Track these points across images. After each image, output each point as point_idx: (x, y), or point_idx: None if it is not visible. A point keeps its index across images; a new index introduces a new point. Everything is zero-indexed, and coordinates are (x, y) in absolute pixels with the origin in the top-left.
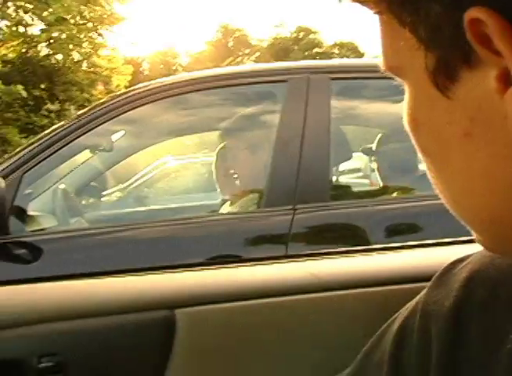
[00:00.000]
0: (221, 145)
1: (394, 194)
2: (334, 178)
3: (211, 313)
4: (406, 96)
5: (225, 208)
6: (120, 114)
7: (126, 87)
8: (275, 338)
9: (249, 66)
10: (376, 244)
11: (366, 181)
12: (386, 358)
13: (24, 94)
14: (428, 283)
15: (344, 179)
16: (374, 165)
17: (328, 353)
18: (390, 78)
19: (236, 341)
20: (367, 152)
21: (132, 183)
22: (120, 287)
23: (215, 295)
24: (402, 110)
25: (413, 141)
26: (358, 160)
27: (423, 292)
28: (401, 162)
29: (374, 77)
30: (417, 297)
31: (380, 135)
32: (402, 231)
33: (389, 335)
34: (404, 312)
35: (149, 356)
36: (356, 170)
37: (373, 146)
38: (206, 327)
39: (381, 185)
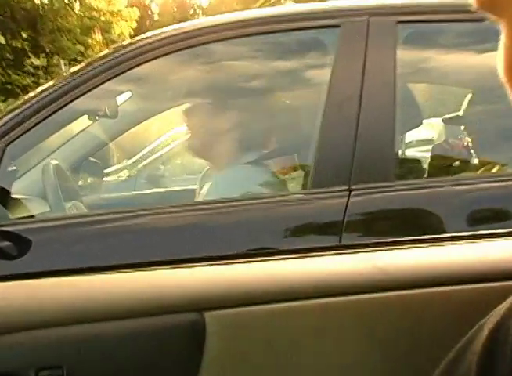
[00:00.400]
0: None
1: (481, 171)
2: (400, 152)
3: (247, 317)
4: (503, 40)
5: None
6: (125, 71)
7: (131, 36)
8: (327, 347)
9: (289, 7)
10: None
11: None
12: (473, 371)
13: (0, 44)
14: None
15: (412, 153)
16: (459, 134)
17: (388, 363)
18: (478, 20)
19: (276, 350)
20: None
21: (142, 159)
22: (135, 285)
23: (252, 295)
24: (494, 60)
25: None
26: (430, 128)
27: None
28: (494, 130)
29: (455, 20)
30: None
31: (468, 96)
32: (491, 218)
33: (477, 343)
34: (496, 314)
35: (174, 368)
36: (428, 141)
37: (460, 112)
38: (241, 332)
39: (472, 159)
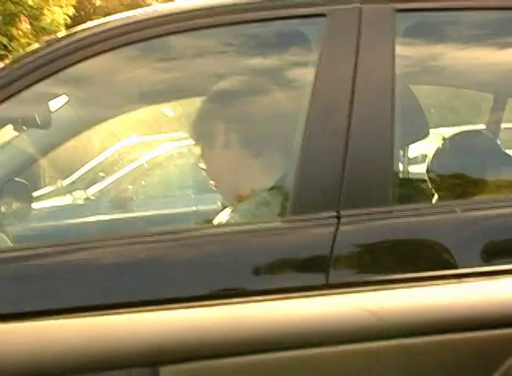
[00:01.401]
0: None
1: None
2: (400, 169)
3: (211, 372)
4: None
5: (228, 217)
6: (59, 70)
7: (67, 26)
8: None
9: None
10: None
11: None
12: None
13: None
14: None
15: (415, 170)
16: None
17: None
18: (498, 8)
19: None
20: None
21: (81, 178)
22: (73, 335)
23: (218, 346)
24: None
25: None
26: (438, 139)
27: None
28: None
29: (469, 7)
30: None
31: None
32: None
33: None
34: None
35: None
36: None
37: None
38: None
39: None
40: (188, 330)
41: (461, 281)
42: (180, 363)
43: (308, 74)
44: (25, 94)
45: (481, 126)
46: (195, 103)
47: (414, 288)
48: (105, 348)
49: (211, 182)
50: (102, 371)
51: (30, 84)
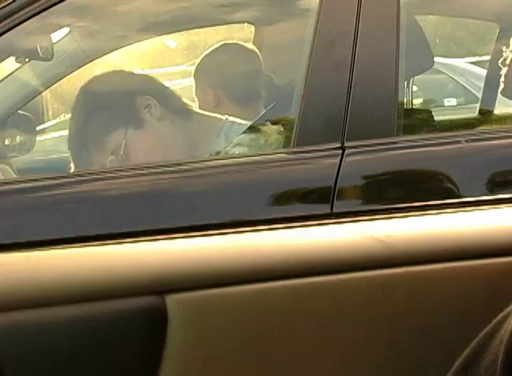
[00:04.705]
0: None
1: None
2: (405, 100)
3: (218, 300)
4: None
5: (234, 149)
6: (61, 0)
7: None
8: (317, 333)
9: None
10: None
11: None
12: (501, 362)
13: None
14: None
15: (420, 101)
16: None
17: (391, 352)
18: None
19: (253, 340)
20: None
21: None
22: (78, 263)
23: (224, 274)
24: None
25: None
26: (443, 69)
27: None
28: None
29: None
30: None
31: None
32: None
33: (505, 332)
34: None
35: (130, 364)
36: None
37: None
38: (210, 319)
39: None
40: (194, 259)
41: (466, 210)
42: (186, 291)
43: (311, 2)
44: (26, 25)
45: (487, 57)
46: (201, 34)
47: (419, 217)
48: (109, 276)
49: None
50: (107, 299)
51: (32, 16)
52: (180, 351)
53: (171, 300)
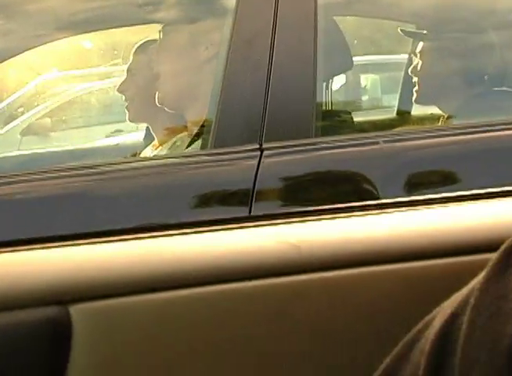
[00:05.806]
0: (137, 47)
1: (424, 125)
2: (324, 101)
3: (126, 310)
4: None
5: (150, 152)
6: None
7: None
8: (231, 343)
9: None
10: None
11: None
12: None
13: None
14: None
15: (339, 102)
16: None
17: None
18: None
19: (165, 350)
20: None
21: None
22: None
23: (133, 282)
24: None
25: None
26: (362, 69)
27: (479, 279)
28: (446, 75)
29: None
30: (472, 283)
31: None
32: (434, 183)
33: (423, 344)
34: (448, 306)
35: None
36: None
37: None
38: (117, 330)
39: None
40: (100, 266)
41: (383, 212)
42: (91, 301)
43: (229, 4)
44: None
45: (404, 56)
46: (115, 35)
47: (336, 220)
48: (4, 286)
49: None
50: (6, 311)
51: None
52: (86, 365)
53: (76, 310)
